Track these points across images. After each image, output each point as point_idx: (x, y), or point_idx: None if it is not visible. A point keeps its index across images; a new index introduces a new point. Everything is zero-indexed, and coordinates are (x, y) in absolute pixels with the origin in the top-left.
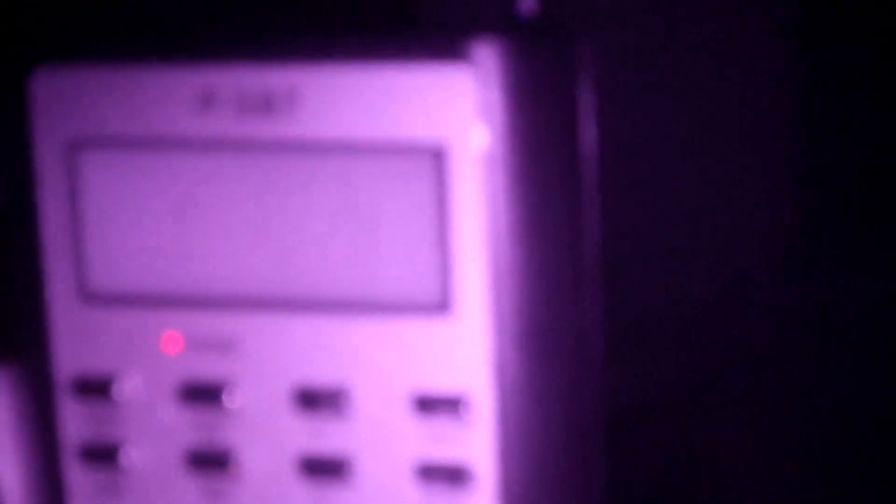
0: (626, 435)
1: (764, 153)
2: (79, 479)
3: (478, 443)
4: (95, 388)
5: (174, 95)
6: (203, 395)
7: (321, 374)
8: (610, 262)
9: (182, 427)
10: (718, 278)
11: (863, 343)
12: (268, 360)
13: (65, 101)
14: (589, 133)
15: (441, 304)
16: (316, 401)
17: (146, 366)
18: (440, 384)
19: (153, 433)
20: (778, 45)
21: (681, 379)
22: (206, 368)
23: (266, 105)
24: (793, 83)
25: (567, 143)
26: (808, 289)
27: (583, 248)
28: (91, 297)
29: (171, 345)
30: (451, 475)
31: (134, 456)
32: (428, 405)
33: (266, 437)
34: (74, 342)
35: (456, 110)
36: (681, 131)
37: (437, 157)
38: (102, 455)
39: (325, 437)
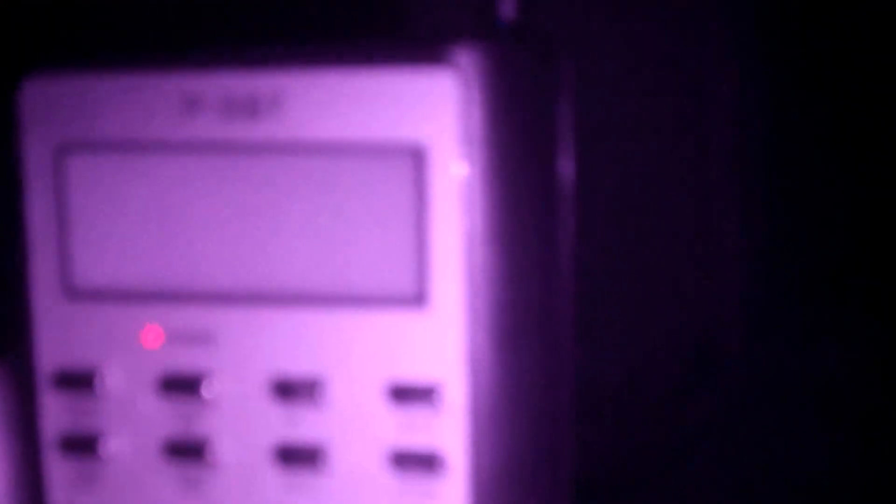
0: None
1: (734, 214)
2: (59, 470)
3: (450, 431)
4: (77, 381)
5: (160, 100)
6: (182, 386)
7: (298, 365)
8: (578, 328)
9: (161, 418)
10: (686, 345)
11: (830, 411)
12: (246, 352)
13: (53, 107)
14: (567, 137)
15: (417, 298)
16: (292, 391)
17: (127, 359)
18: (414, 374)
19: (133, 425)
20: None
21: (650, 445)
22: (186, 361)
23: (250, 109)
24: (764, 140)
25: (545, 146)
26: (775, 357)
27: (558, 245)
28: (74, 292)
29: (152, 338)
30: (424, 462)
31: (113, 447)
32: (402, 394)
33: (243, 426)
34: (57, 337)
35: (436, 113)
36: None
37: (416, 158)
38: (83, 446)
39: (301, 426)
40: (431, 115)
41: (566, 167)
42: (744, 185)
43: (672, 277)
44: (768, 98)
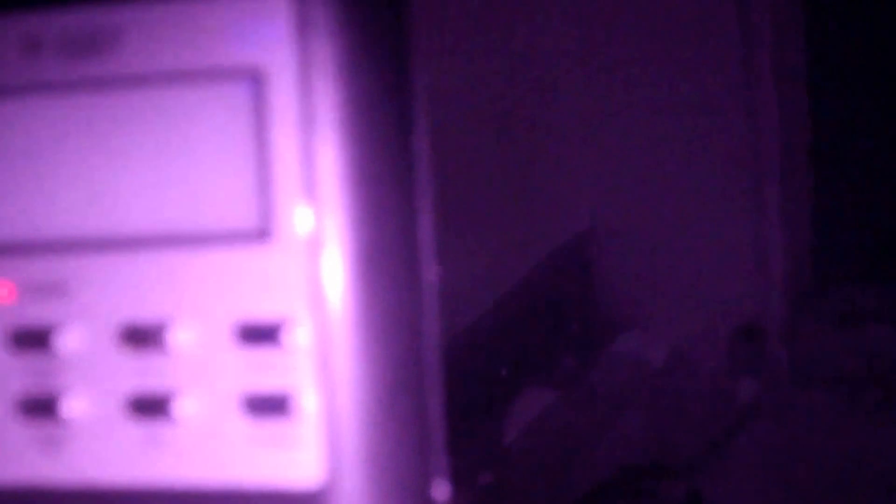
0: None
1: (780, 196)
2: None
3: (300, 372)
4: None
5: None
6: (35, 341)
7: (147, 312)
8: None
9: (15, 375)
10: (731, 327)
11: (873, 392)
12: (96, 302)
13: None
14: (419, 57)
15: (261, 232)
16: (142, 338)
17: None
18: (261, 313)
19: None
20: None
21: (695, 425)
22: (38, 315)
23: (91, 46)
24: (804, 132)
25: (399, 77)
26: (819, 338)
27: (414, 176)
28: None
29: (5, 294)
30: (275, 405)
31: None
32: (250, 335)
33: (96, 379)
34: None
35: (274, 35)
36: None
37: (255, 83)
38: None
39: (152, 374)
40: (270, 37)
41: (422, 100)
42: (791, 167)
43: (717, 260)
44: (812, 71)
